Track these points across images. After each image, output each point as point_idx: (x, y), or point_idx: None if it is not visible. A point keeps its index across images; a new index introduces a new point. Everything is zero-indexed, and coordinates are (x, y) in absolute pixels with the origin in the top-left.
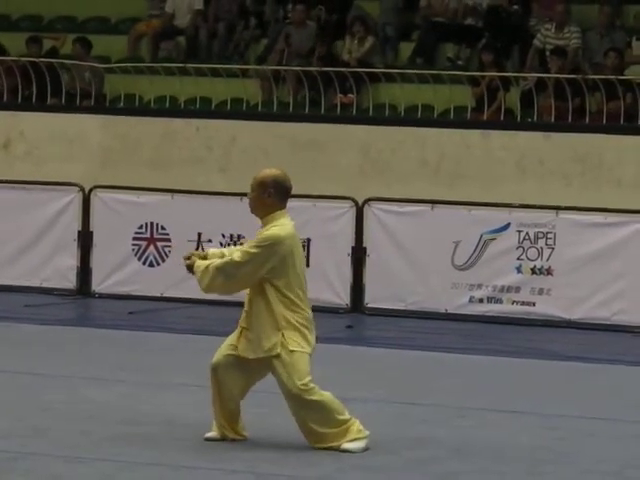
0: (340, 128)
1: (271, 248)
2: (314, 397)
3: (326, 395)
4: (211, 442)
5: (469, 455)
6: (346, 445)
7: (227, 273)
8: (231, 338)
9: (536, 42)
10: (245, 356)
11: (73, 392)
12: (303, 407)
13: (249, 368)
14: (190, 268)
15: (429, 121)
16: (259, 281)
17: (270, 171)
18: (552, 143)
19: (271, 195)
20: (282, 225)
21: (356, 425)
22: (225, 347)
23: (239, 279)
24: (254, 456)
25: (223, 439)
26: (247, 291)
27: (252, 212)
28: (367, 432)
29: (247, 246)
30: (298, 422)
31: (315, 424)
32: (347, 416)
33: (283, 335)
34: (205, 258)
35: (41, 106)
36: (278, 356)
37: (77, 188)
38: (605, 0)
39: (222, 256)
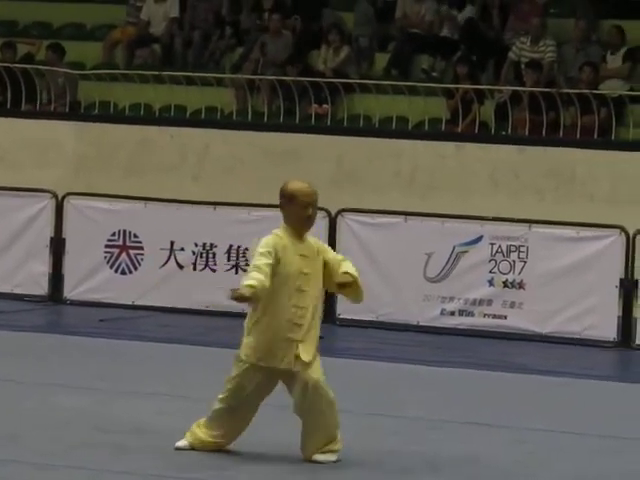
0: (314, 138)
1: None
2: (331, 393)
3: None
4: (182, 451)
5: (440, 468)
6: (317, 456)
7: None
8: (257, 383)
9: (511, 55)
10: (298, 369)
11: (44, 399)
12: (322, 398)
13: (271, 386)
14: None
15: (403, 132)
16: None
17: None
18: (526, 157)
19: None
20: None
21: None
22: (247, 395)
23: None
24: (225, 465)
25: (193, 448)
26: (305, 306)
27: (309, 228)
28: (341, 446)
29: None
30: (312, 415)
31: (326, 417)
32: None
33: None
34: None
35: (15, 112)
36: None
37: (50, 195)
38: (581, 14)
39: None
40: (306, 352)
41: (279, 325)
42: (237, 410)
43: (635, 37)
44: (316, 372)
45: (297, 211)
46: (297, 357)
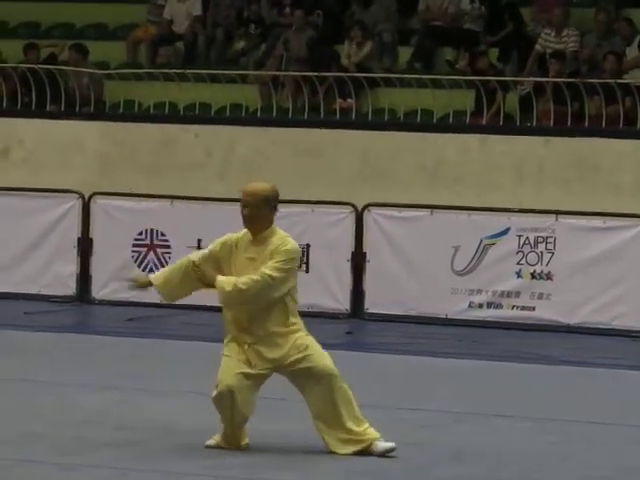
0: (339, 133)
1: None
2: (344, 384)
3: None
4: (208, 450)
5: (468, 460)
6: (381, 445)
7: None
8: (235, 359)
9: (537, 47)
10: (269, 367)
11: (70, 398)
12: (335, 387)
13: (259, 379)
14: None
15: (428, 126)
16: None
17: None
18: (551, 147)
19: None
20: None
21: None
22: (233, 368)
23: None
24: (252, 462)
25: (220, 447)
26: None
27: (247, 227)
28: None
29: (279, 264)
30: (327, 406)
31: (343, 407)
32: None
33: (306, 334)
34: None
35: (40, 113)
36: (307, 348)
37: (77, 195)
38: (602, 4)
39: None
40: (262, 353)
41: (232, 327)
42: (235, 394)
43: None
44: (324, 360)
45: (240, 210)
46: (253, 359)
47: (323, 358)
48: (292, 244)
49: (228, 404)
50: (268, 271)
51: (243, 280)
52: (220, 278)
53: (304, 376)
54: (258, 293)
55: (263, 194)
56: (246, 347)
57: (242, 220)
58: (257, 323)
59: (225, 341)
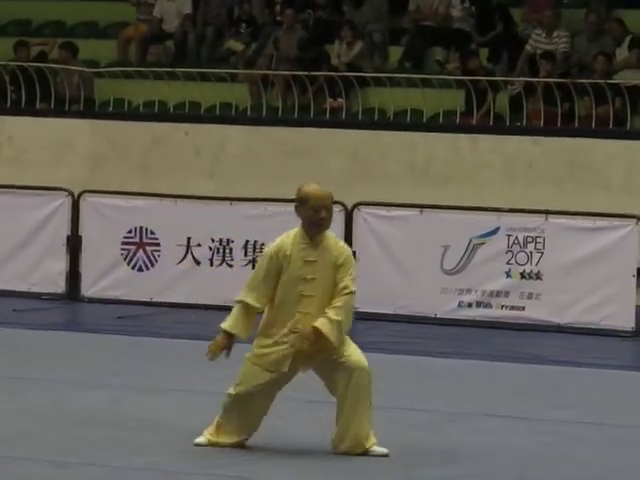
0: (329, 132)
1: None
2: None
3: None
4: (200, 447)
5: (459, 460)
6: (376, 448)
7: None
8: (262, 367)
9: (528, 47)
10: (311, 365)
11: (61, 396)
12: (367, 382)
13: (283, 382)
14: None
15: (418, 125)
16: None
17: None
18: (541, 147)
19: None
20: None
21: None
22: (258, 378)
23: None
24: (244, 461)
25: (211, 445)
26: (310, 312)
27: (322, 232)
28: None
29: (352, 274)
30: (360, 399)
31: (369, 403)
32: None
33: None
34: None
35: (30, 111)
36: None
37: (66, 193)
38: (593, 5)
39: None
40: (307, 354)
41: (279, 330)
42: (246, 402)
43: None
44: (361, 353)
45: (309, 214)
46: (301, 363)
47: (358, 354)
48: (348, 248)
49: (245, 408)
50: (350, 288)
51: (334, 312)
52: (322, 328)
53: (337, 368)
54: (349, 312)
55: (332, 196)
56: (289, 347)
57: (315, 225)
58: (299, 326)
59: (257, 342)
